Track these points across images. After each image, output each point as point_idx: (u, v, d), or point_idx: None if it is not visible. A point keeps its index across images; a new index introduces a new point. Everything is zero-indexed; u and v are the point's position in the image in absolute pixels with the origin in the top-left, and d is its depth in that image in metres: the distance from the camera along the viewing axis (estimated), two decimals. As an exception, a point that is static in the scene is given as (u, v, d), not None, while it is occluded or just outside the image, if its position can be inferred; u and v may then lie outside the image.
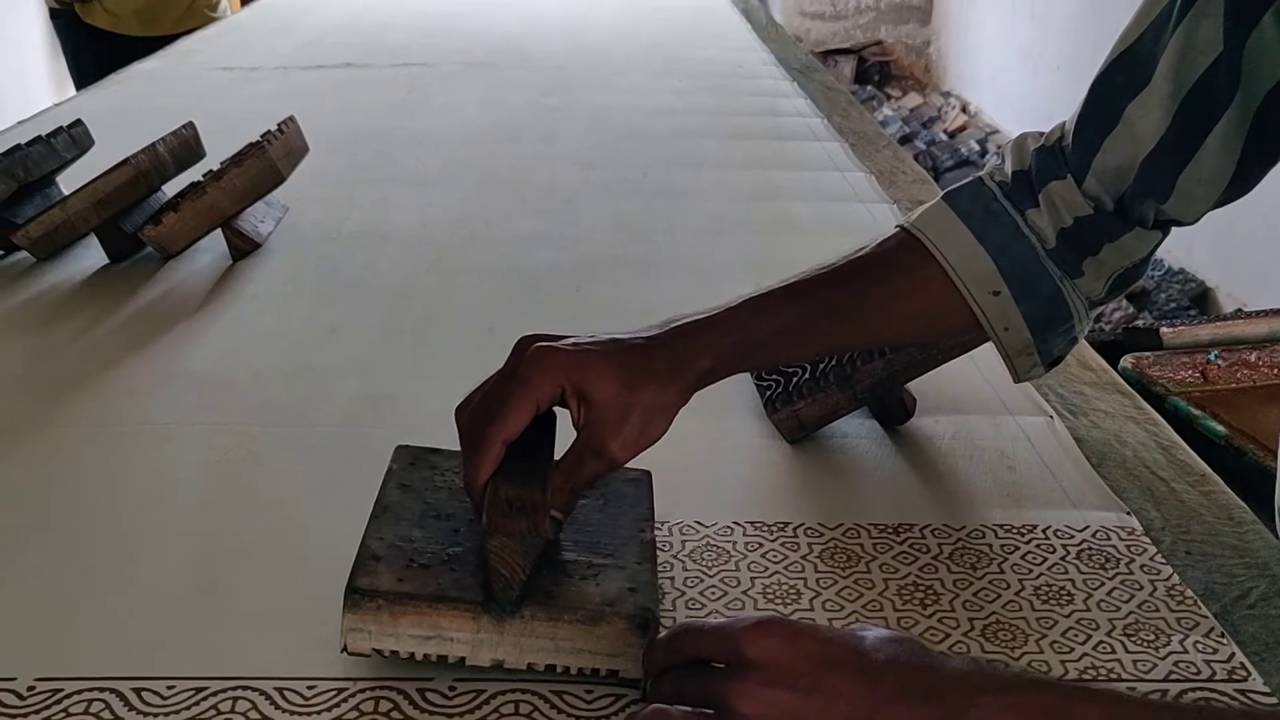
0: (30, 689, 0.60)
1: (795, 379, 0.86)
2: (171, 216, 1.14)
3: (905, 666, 0.47)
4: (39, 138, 1.20)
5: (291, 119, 1.24)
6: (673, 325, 0.67)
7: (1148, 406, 0.95)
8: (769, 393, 0.88)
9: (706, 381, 0.68)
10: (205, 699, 0.59)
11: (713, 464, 0.83)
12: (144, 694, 0.59)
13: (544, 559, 0.60)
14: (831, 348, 0.79)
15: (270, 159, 1.15)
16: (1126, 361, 1.60)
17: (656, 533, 0.69)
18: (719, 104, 1.93)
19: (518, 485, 0.60)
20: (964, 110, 5.04)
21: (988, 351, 0.79)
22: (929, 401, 0.89)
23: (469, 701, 0.59)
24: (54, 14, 2.78)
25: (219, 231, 1.17)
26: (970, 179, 0.74)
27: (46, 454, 0.84)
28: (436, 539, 0.62)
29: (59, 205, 1.14)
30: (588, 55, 2.26)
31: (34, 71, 2.65)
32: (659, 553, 0.71)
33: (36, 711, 0.58)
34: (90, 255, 1.19)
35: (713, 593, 0.68)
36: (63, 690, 0.59)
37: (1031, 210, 0.71)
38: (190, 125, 1.25)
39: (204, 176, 1.17)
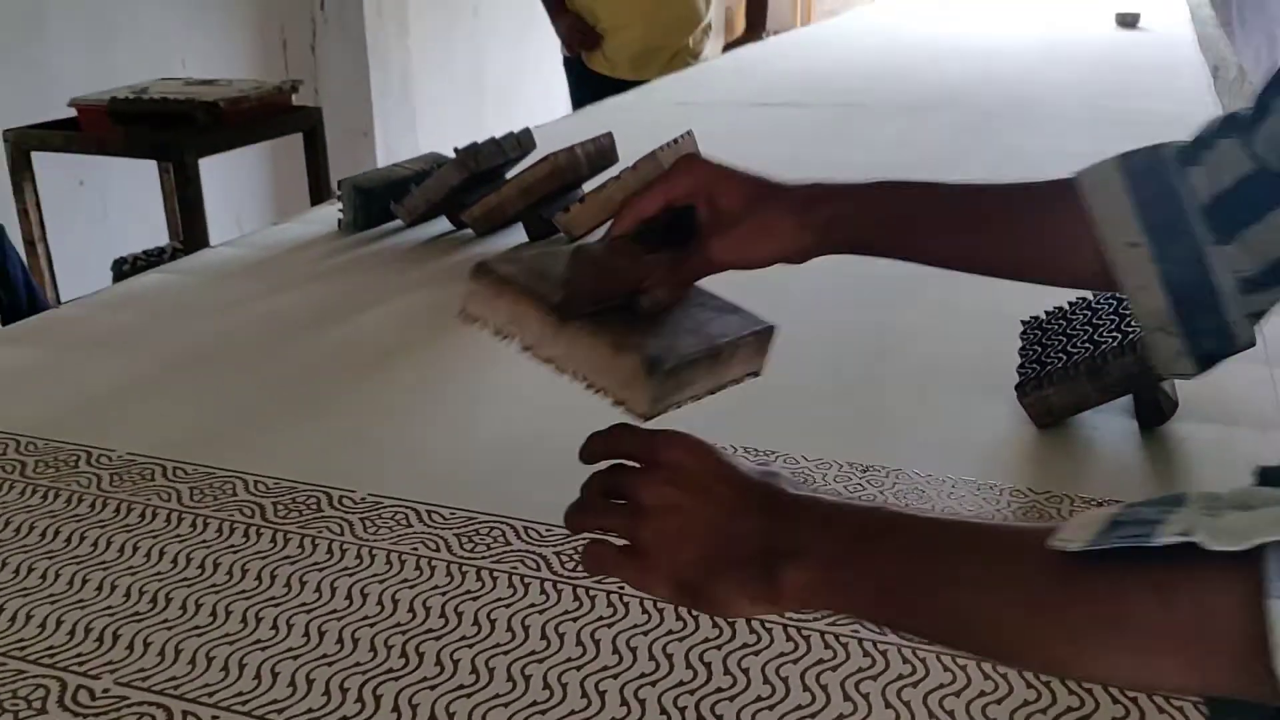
0: (362, 499, 0.82)
1: (1049, 366, 0.92)
2: (578, 206, 1.37)
3: (769, 489, 0.57)
4: (492, 139, 1.49)
5: (689, 132, 1.44)
6: (814, 181, 0.73)
7: None
8: (1022, 377, 0.94)
9: (829, 235, 0.73)
10: (471, 526, 0.78)
11: (957, 444, 0.91)
12: (433, 514, 0.80)
13: (632, 317, 0.71)
14: (949, 254, 0.77)
15: (659, 162, 1.36)
16: None
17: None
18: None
19: (630, 238, 0.74)
20: None
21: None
22: (1195, 405, 0.91)
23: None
24: (566, 61, 3.23)
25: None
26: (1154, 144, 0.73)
27: (448, 361, 1.09)
28: (564, 269, 0.74)
29: (495, 191, 1.41)
30: (1014, 99, 2.30)
31: (560, 107, 3.12)
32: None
33: (363, 515, 0.80)
34: (516, 235, 1.46)
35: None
36: (382, 504, 0.81)
37: (1194, 168, 0.69)
38: (608, 135, 1.49)
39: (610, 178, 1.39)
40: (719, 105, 2.31)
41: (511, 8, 4.32)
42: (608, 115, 2.27)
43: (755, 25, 3.24)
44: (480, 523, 0.79)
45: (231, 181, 3.31)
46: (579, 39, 3.10)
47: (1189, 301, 0.69)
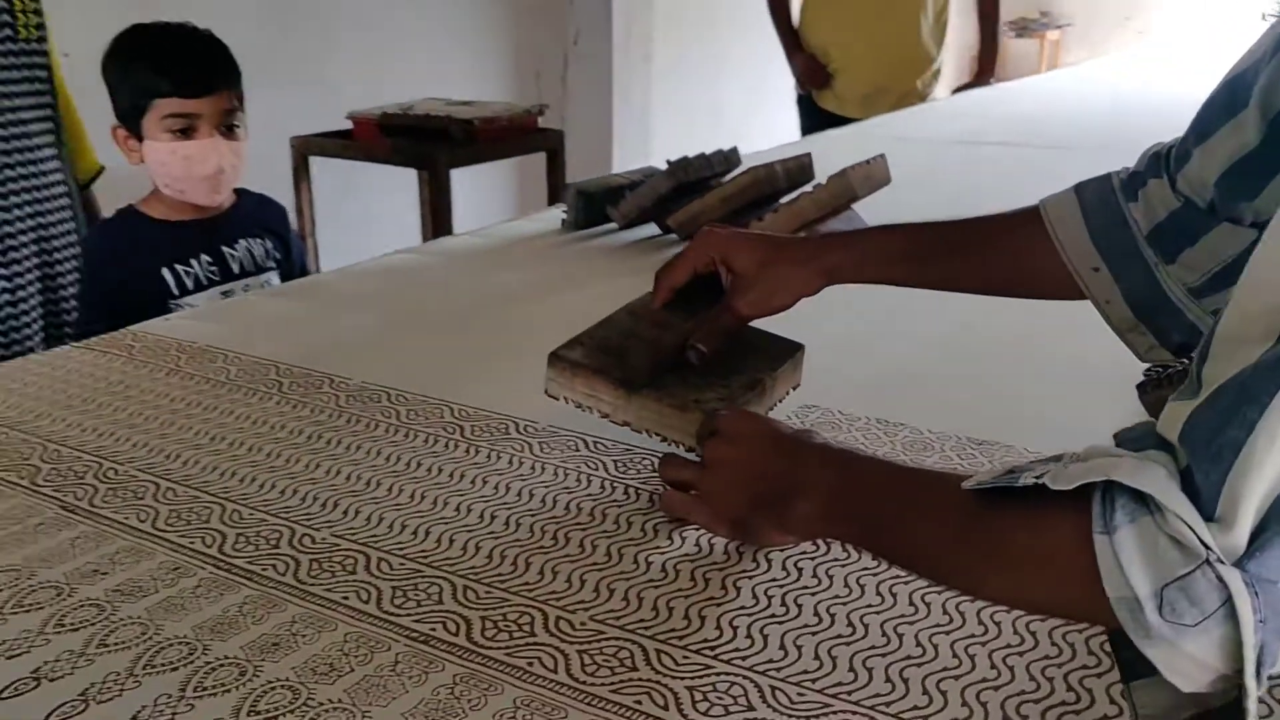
0: (543, 429, 0.97)
1: (1169, 370, 0.99)
2: (771, 215, 1.51)
3: (795, 440, 0.72)
4: (701, 154, 1.64)
5: (881, 156, 1.55)
6: (820, 233, 0.88)
7: None
8: (1146, 378, 1.01)
9: (835, 278, 0.88)
10: (628, 455, 0.93)
11: (1073, 432, 0.99)
12: (598, 444, 0.94)
13: (686, 372, 0.87)
14: (944, 279, 0.91)
15: (848, 181, 1.47)
16: None
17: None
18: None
19: (670, 313, 0.91)
20: None
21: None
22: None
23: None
24: (799, 98, 3.38)
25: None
26: (1103, 173, 0.87)
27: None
28: (623, 341, 0.91)
29: (698, 199, 1.56)
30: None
31: (788, 139, 3.29)
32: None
33: (541, 440, 0.96)
34: (715, 240, 1.60)
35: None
36: (558, 434, 0.97)
37: (1133, 204, 0.83)
38: (807, 154, 1.62)
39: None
40: (931, 142, 2.40)
41: (751, 44, 4.50)
42: (825, 144, 2.40)
43: (984, 70, 3.31)
44: (635, 454, 0.93)
45: (479, 193, 3.60)
46: (812, 77, 3.25)
47: (1150, 309, 0.83)
